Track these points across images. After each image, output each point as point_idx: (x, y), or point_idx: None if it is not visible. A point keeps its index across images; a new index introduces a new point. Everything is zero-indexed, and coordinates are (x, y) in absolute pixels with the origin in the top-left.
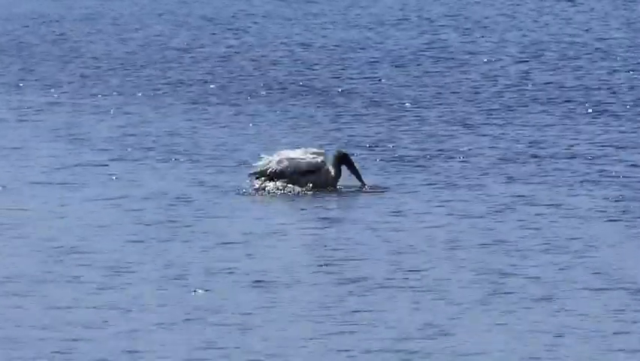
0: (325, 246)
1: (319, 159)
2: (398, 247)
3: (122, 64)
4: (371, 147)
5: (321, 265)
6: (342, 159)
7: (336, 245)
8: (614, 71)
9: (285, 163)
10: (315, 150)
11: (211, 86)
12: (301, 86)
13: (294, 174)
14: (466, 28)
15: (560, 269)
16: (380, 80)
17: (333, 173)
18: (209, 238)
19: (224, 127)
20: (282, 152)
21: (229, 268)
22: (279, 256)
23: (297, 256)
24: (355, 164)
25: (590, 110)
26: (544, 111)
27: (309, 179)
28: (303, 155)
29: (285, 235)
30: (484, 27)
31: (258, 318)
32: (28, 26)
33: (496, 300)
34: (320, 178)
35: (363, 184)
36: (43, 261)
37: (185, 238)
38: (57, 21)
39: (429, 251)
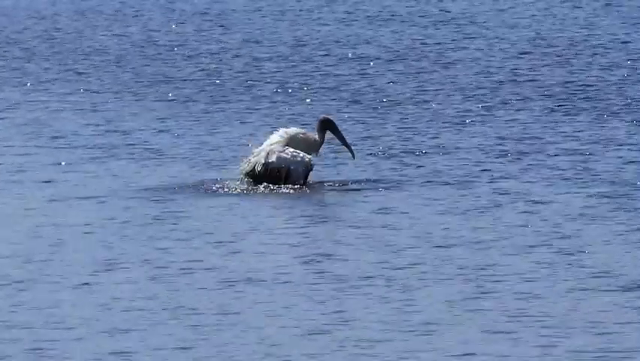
0: (311, 244)
1: (303, 155)
2: (385, 244)
3: (106, 60)
4: (358, 143)
5: (307, 263)
6: (327, 124)
7: (321, 243)
8: (604, 67)
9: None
10: (295, 129)
11: (197, 82)
12: (288, 83)
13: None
14: (457, 25)
15: (548, 267)
16: (367, 76)
17: (317, 138)
18: (193, 237)
19: (209, 124)
20: (265, 147)
21: (213, 267)
22: (263, 254)
23: (283, 254)
24: (340, 130)
25: (579, 107)
26: (533, 108)
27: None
28: (284, 137)
29: (270, 233)
30: (474, 23)
31: (243, 316)
32: (14, 22)
33: (483, 298)
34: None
35: (351, 151)
36: (25, 260)
37: (169, 236)
38: (44, 17)
39: (416, 249)
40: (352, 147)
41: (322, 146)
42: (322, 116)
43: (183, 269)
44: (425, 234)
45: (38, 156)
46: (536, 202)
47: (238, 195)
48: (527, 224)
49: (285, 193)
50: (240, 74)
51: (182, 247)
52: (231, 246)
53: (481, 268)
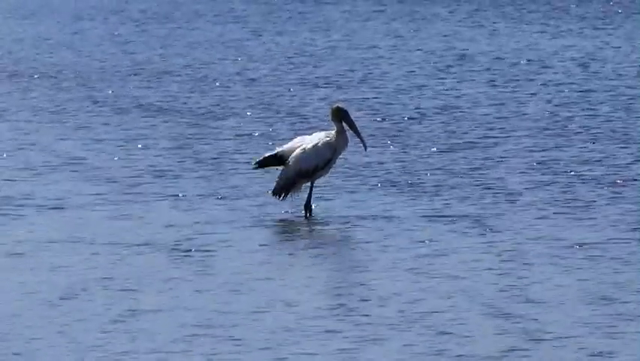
0: (349, 286)
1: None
2: (422, 285)
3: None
4: (392, 171)
5: (339, 306)
6: (340, 113)
7: (354, 282)
8: None
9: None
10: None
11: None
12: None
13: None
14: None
15: (604, 324)
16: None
17: (340, 140)
18: (224, 276)
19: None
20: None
21: (235, 312)
22: (290, 295)
23: (313, 296)
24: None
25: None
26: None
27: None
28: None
29: (294, 269)
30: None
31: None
32: None
33: (529, 353)
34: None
35: (363, 142)
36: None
37: (194, 274)
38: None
39: (459, 291)
40: (365, 139)
41: (344, 135)
42: (335, 105)
43: (215, 314)
44: (467, 274)
45: (64, 192)
46: (594, 247)
47: (275, 230)
48: (580, 268)
49: (325, 229)
50: (237, 97)
51: (211, 287)
52: (250, 287)
53: (528, 320)
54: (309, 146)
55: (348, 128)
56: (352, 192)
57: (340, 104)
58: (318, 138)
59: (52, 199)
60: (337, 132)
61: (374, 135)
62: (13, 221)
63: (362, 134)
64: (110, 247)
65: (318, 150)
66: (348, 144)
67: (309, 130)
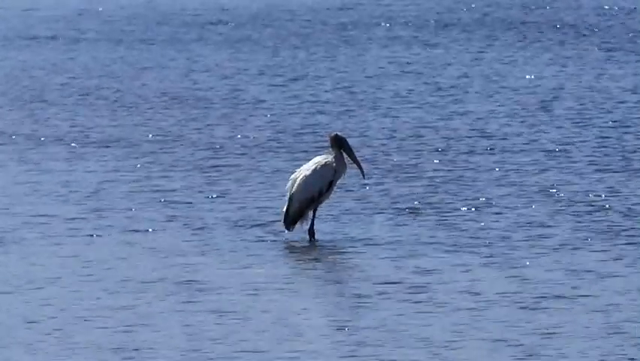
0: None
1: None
2: (436, 319)
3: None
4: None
5: (348, 343)
6: (338, 141)
7: (361, 312)
8: None
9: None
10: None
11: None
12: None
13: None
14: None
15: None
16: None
17: (339, 164)
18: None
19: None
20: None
21: (237, 339)
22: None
23: (318, 324)
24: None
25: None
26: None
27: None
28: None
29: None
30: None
31: None
32: None
33: None
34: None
35: (362, 170)
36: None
37: (199, 304)
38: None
39: (475, 325)
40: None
41: (342, 160)
42: (333, 133)
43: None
44: (471, 309)
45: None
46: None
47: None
48: (602, 309)
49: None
50: (227, 126)
51: (214, 315)
52: (240, 317)
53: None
54: (309, 173)
55: (347, 155)
56: (358, 218)
57: (339, 133)
58: (315, 162)
59: (32, 232)
60: (336, 157)
61: (381, 163)
62: None
63: (360, 162)
64: (108, 281)
65: (318, 174)
66: (348, 170)
67: (307, 158)
